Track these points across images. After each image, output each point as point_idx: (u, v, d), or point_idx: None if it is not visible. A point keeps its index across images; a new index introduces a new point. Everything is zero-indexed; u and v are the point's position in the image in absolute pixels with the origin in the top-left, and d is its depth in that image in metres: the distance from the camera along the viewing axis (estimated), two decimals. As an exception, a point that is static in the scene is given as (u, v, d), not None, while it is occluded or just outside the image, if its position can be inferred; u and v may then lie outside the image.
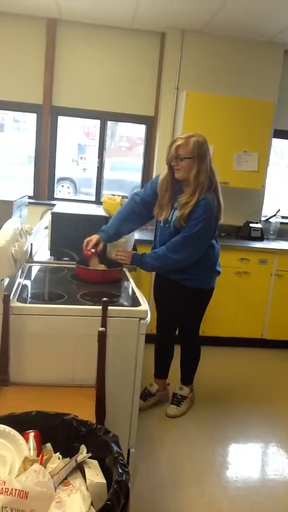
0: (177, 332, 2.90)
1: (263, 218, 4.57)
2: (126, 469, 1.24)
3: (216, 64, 4.18)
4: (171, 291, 2.72)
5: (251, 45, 4.18)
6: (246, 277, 3.93)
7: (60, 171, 4.66)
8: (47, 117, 4.26)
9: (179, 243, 2.45)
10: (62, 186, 5.96)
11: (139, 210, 2.60)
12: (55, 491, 1.18)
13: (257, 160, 4.02)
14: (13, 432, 1.31)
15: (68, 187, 6.26)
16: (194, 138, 2.40)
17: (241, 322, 4.00)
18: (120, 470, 1.22)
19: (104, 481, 1.25)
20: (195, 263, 2.55)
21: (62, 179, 5.62)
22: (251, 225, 4.33)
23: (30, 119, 4.47)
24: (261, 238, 4.28)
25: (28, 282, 2.18)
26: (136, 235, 3.24)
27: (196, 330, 2.85)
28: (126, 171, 5.89)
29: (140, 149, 4.65)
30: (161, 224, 2.61)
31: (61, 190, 5.51)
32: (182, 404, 2.90)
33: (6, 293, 1.77)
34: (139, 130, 4.69)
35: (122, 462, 1.26)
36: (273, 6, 3.35)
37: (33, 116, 4.34)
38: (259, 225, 4.36)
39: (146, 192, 2.62)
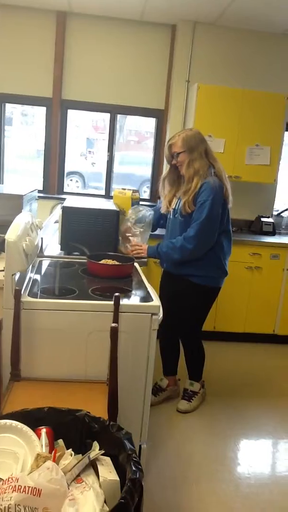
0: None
1: (275, 213, 4.52)
2: (140, 467, 1.22)
3: (227, 56, 4.13)
4: (177, 287, 2.71)
5: (264, 37, 4.12)
6: (258, 272, 3.89)
7: (68, 165, 4.64)
8: (57, 110, 4.24)
9: (193, 231, 2.49)
10: (71, 180, 5.95)
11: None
12: (68, 489, 1.17)
13: (269, 154, 3.97)
14: (26, 428, 1.30)
15: (77, 181, 6.24)
16: (183, 134, 2.56)
17: (252, 318, 3.97)
18: (133, 468, 1.21)
19: (118, 478, 1.23)
20: (204, 257, 2.56)
21: (70, 173, 5.60)
22: (263, 219, 4.29)
23: (39, 113, 4.45)
24: (273, 233, 4.23)
25: (38, 277, 2.17)
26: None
27: (198, 328, 2.82)
28: (135, 165, 5.86)
29: (149, 142, 4.61)
30: (171, 217, 2.68)
31: (69, 184, 5.50)
32: (193, 399, 2.88)
33: (17, 288, 1.76)
34: (148, 124, 4.65)
35: (135, 459, 1.24)
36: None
37: (43, 109, 4.32)
38: (271, 220, 4.32)
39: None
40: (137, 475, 1.18)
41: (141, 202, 2.93)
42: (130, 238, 2.67)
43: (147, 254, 2.63)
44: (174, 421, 2.75)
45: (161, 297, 2.81)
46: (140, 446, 2.01)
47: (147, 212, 2.74)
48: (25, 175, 5.19)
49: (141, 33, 4.15)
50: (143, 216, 2.72)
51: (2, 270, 1.80)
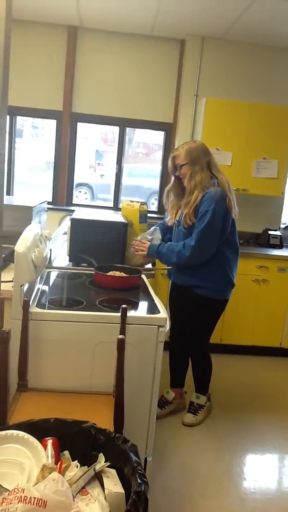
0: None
1: (282, 226, 4.52)
2: (145, 480, 1.22)
3: (235, 70, 4.17)
4: (183, 299, 2.72)
5: (271, 51, 4.16)
6: (265, 285, 3.88)
7: (77, 177, 4.68)
8: (67, 123, 4.30)
9: (193, 240, 2.49)
10: (79, 191, 5.99)
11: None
12: (73, 500, 1.17)
13: (276, 167, 3.99)
14: (32, 439, 1.31)
15: (85, 193, 6.29)
16: (186, 146, 2.58)
17: (259, 331, 3.95)
18: (139, 480, 1.21)
19: (123, 491, 1.23)
20: (208, 269, 2.56)
21: (79, 184, 5.65)
22: (270, 232, 4.29)
23: (49, 126, 4.51)
24: (280, 246, 4.23)
25: (46, 288, 2.19)
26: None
27: (206, 341, 2.81)
28: (143, 177, 5.90)
29: (157, 155, 4.65)
30: (175, 228, 2.71)
31: (78, 196, 5.54)
32: (199, 412, 2.86)
33: (25, 299, 1.77)
34: (156, 137, 4.69)
35: (141, 472, 1.24)
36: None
37: (53, 122, 4.37)
38: (278, 233, 4.32)
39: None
40: (142, 488, 1.18)
41: (148, 215, 2.96)
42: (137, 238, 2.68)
43: (148, 252, 2.61)
44: (180, 434, 2.74)
45: (170, 309, 2.83)
46: (145, 458, 2.00)
47: (154, 231, 2.77)
48: (34, 187, 5.24)
49: (151, 48, 4.21)
50: (150, 233, 2.75)
51: (11, 281, 1.82)
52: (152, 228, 2.80)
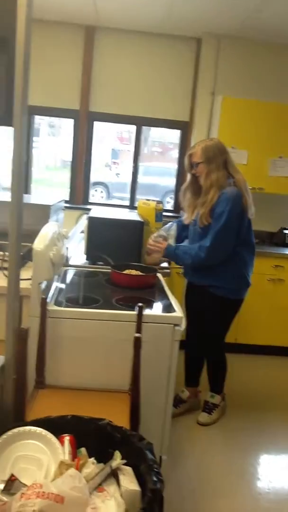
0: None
1: (298, 225, 4.48)
2: (161, 478, 1.23)
3: (252, 69, 4.14)
4: (198, 298, 2.73)
5: (289, 49, 4.12)
6: (280, 284, 3.86)
7: (93, 176, 4.71)
8: (84, 122, 4.32)
9: (208, 240, 2.48)
10: (95, 190, 6.02)
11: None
12: (90, 497, 1.18)
13: (293, 166, 3.96)
14: (49, 435, 1.33)
15: (101, 192, 6.32)
16: (203, 144, 2.56)
17: (275, 330, 3.93)
18: (154, 478, 1.22)
19: (139, 488, 1.24)
20: (224, 269, 2.56)
21: (95, 183, 5.67)
22: (286, 231, 4.26)
23: (65, 125, 4.54)
24: (296, 245, 4.20)
25: (63, 286, 2.21)
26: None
27: (221, 340, 2.81)
28: (158, 176, 5.90)
29: (173, 153, 4.65)
30: (191, 227, 2.70)
31: (94, 195, 5.56)
32: (213, 412, 2.86)
33: (43, 297, 1.79)
34: (171, 135, 4.69)
35: (156, 470, 1.25)
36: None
37: (69, 121, 4.40)
38: (294, 232, 4.29)
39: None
40: (158, 486, 1.19)
41: (164, 213, 2.96)
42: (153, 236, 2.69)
43: (165, 253, 2.60)
44: (194, 433, 2.74)
45: (186, 308, 2.84)
46: (160, 457, 2.01)
47: (171, 227, 2.77)
48: (50, 185, 5.28)
49: (167, 47, 4.20)
50: (166, 229, 2.75)
51: (29, 279, 1.85)
52: (169, 223, 2.80)
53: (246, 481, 2.36)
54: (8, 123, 1.47)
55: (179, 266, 2.86)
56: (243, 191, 2.51)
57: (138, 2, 3.46)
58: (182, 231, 2.83)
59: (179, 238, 2.83)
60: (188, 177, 2.69)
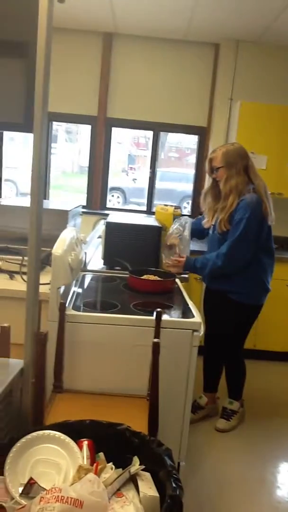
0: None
1: None
2: (180, 484, 1.22)
3: (270, 74, 4.13)
4: (216, 303, 2.71)
5: (307, 53, 4.10)
6: (299, 290, 3.81)
7: (110, 181, 4.73)
8: (102, 128, 4.35)
9: (226, 248, 2.47)
10: (112, 195, 6.04)
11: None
12: (109, 502, 1.18)
13: (313, 171, 3.92)
14: (68, 439, 1.33)
15: (118, 197, 6.35)
16: (224, 148, 2.55)
17: (293, 337, 3.88)
18: (174, 485, 1.21)
19: (157, 494, 1.23)
20: (243, 274, 2.53)
21: (112, 188, 5.70)
22: (305, 237, 4.21)
23: (83, 130, 4.58)
24: (316, 251, 4.15)
25: (81, 291, 2.22)
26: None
27: (240, 346, 2.78)
28: (175, 181, 5.90)
29: (190, 159, 4.65)
30: (210, 232, 2.69)
31: (111, 200, 5.58)
32: (232, 418, 2.84)
33: (62, 301, 1.80)
34: (188, 141, 4.69)
35: (175, 476, 1.24)
36: None
37: (86, 127, 4.43)
38: (313, 237, 4.23)
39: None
40: (177, 492, 1.18)
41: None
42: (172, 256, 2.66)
43: (184, 268, 2.59)
44: (212, 439, 2.72)
45: (204, 314, 2.82)
46: (178, 463, 2.00)
47: (185, 220, 2.74)
48: (67, 191, 5.32)
49: (185, 52, 4.21)
50: (181, 222, 2.73)
51: (48, 283, 1.86)
52: (184, 218, 2.76)
53: (265, 489, 2.33)
54: (29, 130, 1.49)
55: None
56: (263, 197, 2.49)
57: (156, 8, 3.48)
58: (197, 231, 2.81)
59: (193, 235, 2.79)
60: (209, 181, 2.67)
